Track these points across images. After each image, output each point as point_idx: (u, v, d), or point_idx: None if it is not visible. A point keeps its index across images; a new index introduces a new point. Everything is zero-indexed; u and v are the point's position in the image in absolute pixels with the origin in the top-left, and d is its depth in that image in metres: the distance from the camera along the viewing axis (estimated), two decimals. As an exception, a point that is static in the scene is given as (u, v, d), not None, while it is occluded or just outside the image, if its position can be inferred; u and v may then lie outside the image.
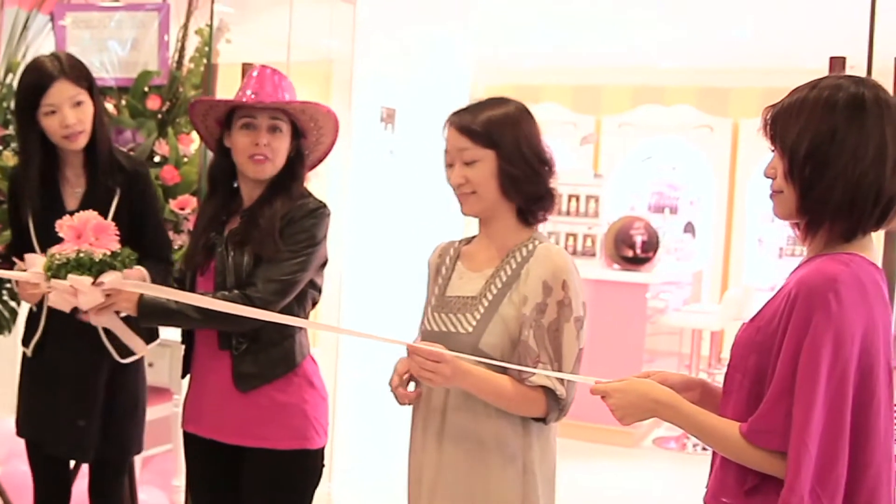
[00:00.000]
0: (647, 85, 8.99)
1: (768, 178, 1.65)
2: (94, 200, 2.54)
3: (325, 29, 4.41)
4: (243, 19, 3.71)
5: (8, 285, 3.16)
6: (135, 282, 2.29)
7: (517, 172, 1.98)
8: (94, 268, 2.24)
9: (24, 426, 2.71)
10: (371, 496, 4.32)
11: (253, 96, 2.35)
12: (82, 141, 2.55)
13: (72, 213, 2.36)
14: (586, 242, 6.59)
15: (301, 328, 2.39)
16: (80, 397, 2.62)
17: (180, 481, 3.35)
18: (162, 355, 3.33)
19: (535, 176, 2.01)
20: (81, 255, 2.24)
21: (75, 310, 2.31)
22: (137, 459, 3.10)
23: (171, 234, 2.96)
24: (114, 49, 3.32)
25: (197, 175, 3.15)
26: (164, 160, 3.19)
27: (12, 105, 3.17)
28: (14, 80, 3.29)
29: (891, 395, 1.58)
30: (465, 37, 5.43)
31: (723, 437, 1.60)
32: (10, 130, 3.16)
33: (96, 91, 2.60)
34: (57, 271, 2.23)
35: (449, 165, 2.03)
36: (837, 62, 2.59)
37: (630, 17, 6.67)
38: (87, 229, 2.28)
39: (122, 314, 2.39)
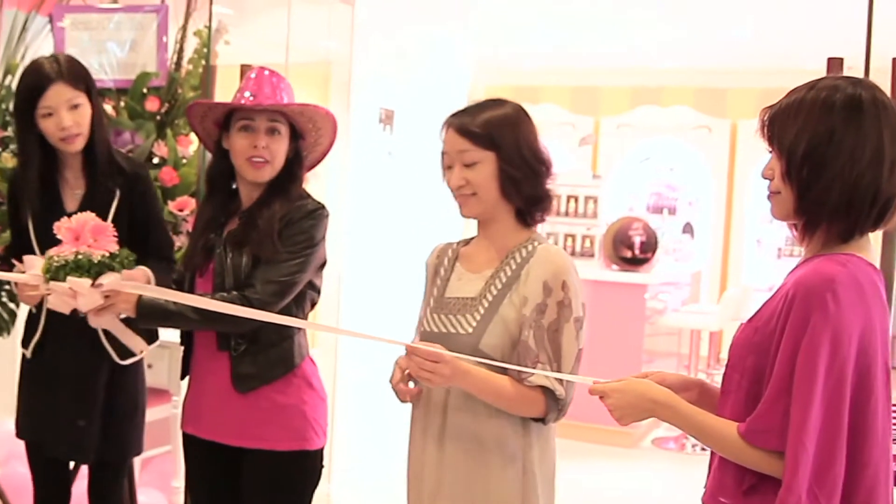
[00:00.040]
0: (645, 86, 9.00)
1: (766, 178, 1.65)
2: (94, 202, 2.54)
3: (323, 30, 4.41)
4: (242, 21, 3.72)
5: (7, 287, 3.16)
6: (133, 283, 2.30)
7: (517, 174, 1.99)
8: (92, 269, 2.24)
9: (24, 428, 2.72)
10: (370, 496, 4.32)
11: (251, 98, 2.35)
12: (79, 144, 2.55)
13: (71, 215, 2.36)
14: (585, 243, 6.59)
15: (300, 329, 2.39)
16: (80, 398, 2.62)
17: (180, 482, 3.35)
18: (161, 357, 3.33)
19: (534, 177, 2.02)
20: (80, 256, 2.24)
21: (74, 311, 2.32)
22: (137, 461, 3.11)
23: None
24: (112, 50, 3.32)
25: (195, 176, 3.15)
26: (163, 161, 3.19)
27: (11, 107, 3.18)
28: (13, 82, 3.29)
29: (888, 394, 1.58)
30: (463, 38, 5.44)
31: (721, 436, 1.60)
32: (9, 132, 3.16)
33: (95, 93, 2.60)
34: (55, 273, 2.23)
35: (448, 167, 2.03)
36: (835, 63, 2.60)
37: (628, 17, 6.68)
38: (86, 231, 2.28)
39: (122, 316, 2.40)
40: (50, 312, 2.51)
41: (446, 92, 5.03)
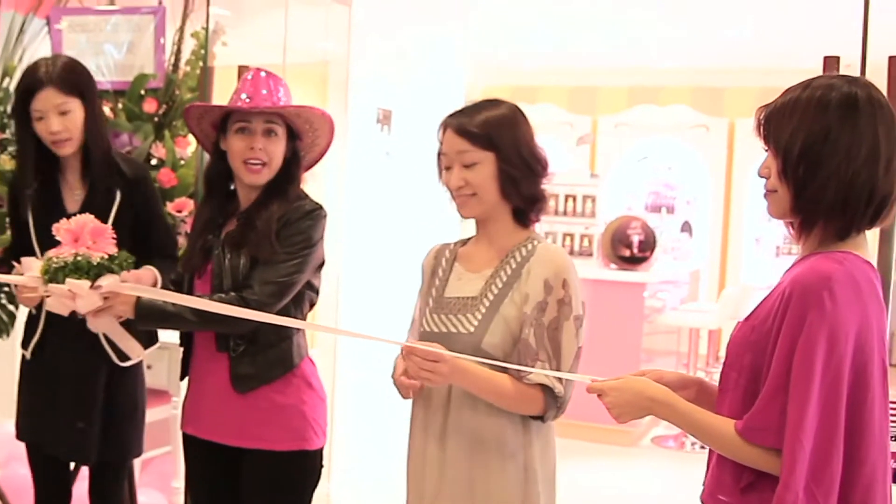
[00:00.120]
0: (642, 85, 9.00)
1: (762, 177, 1.66)
2: (95, 204, 2.55)
3: (320, 31, 4.42)
4: (239, 22, 3.72)
5: (6, 289, 3.17)
6: (131, 285, 2.30)
7: (517, 173, 1.99)
8: (91, 271, 2.24)
9: (24, 429, 2.72)
10: (370, 496, 4.33)
11: (248, 100, 2.36)
12: (69, 148, 2.56)
13: (72, 217, 2.36)
14: (583, 242, 6.59)
15: (298, 329, 2.40)
16: (80, 400, 2.63)
17: (180, 483, 3.36)
18: (161, 357, 3.33)
19: (532, 176, 2.02)
20: (79, 258, 2.24)
21: (73, 313, 2.32)
22: (137, 461, 3.11)
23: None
24: (110, 52, 3.32)
25: (194, 178, 3.16)
26: (161, 163, 3.19)
27: (9, 109, 3.19)
28: (11, 84, 3.30)
29: (885, 392, 1.59)
30: (460, 38, 5.44)
31: (718, 434, 1.61)
32: (8, 134, 3.17)
33: (93, 97, 2.59)
34: (54, 275, 2.24)
35: (446, 168, 2.04)
36: (831, 61, 2.60)
37: (626, 17, 6.68)
38: (85, 233, 2.28)
39: (121, 318, 2.40)
40: (49, 314, 2.51)
41: (444, 92, 5.04)
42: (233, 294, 2.27)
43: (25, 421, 2.72)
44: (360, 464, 4.45)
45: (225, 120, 2.39)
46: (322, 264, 2.44)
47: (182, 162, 3.21)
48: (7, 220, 2.83)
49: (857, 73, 2.34)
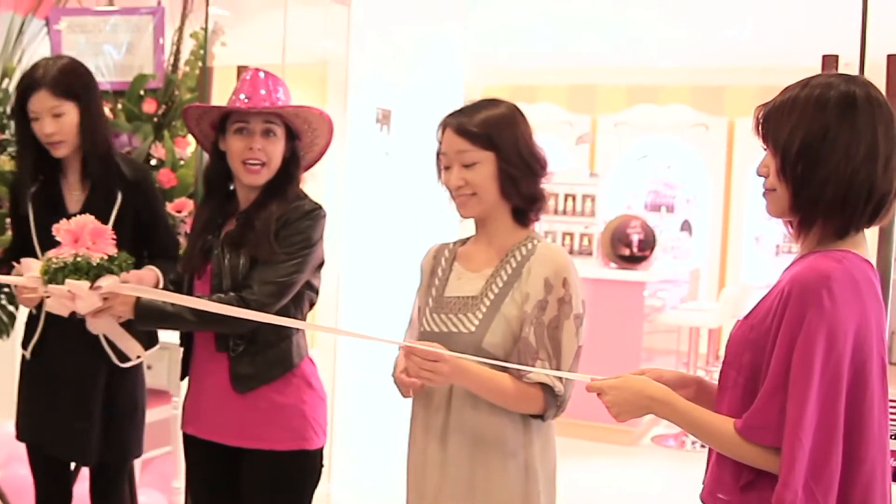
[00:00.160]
0: (642, 84, 9.00)
1: (761, 176, 1.66)
2: (96, 204, 2.55)
3: (319, 31, 4.41)
4: (238, 22, 3.72)
5: (6, 289, 3.17)
6: (131, 285, 2.30)
7: (516, 173, 2.00)
8: (91, 272, 2.24)
9: (24, 429, 2.72)
10: (370, 496, 4.32)
11: (246, 101, 2.36)
12: (62, 150, 2.57)
13: (70, 217, 2.36)
14: (583, 241, 6.59)
15: (298, 329, 2.40)
16: (80, 400, 2.63)
17: (180, 483, 3.36)
18: (161, 358, 3.34)
19: (532, 176, 2.03)
20: (79, 259, 2.24)
21: (73, 313, 2.32)
22: (137, 462, 3.11)
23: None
24: (109, 53, 3.32)
25: (193, 178, 3.16)
26: (161, 163, 3.19)
27: (8, 109, 3.19)
28: (10, 85, 3.30)
29: (884, 390, 1.59)
30: (460, 37, 5.44)
31: (718, 433, 1.61)
32: (7, 135, 3.17)
33: (90, 99, 2.58)
34: (54, 275, 2.24)
35: (446, 168, 2.04)
36: (830, 60, 2.61)
37: (625, 16, 6.68)
38: (84, 233, 2.29)
39: (121, 319, 2.40)
40: (49, 314, 2.52)
41: (443, 92, 5.03)
42: (232, 294, 2.27)
43: (25, 421, 2.72)
44: (360, 464, 4.45)
45: (224, 120, 2.39)
46: (322, 264, 2.44)
47: (181, 162, 3.21)
48: (7, 220, 2.84)
49: (855, 71, 2.35)
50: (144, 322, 2.35)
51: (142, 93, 3.28)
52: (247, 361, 2.33)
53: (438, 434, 2.03)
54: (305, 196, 2.41)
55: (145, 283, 2.43)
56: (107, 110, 3.21)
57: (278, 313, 2.25)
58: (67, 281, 2.21)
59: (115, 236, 2.35)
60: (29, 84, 2.54)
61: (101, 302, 2.26)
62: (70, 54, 3.07)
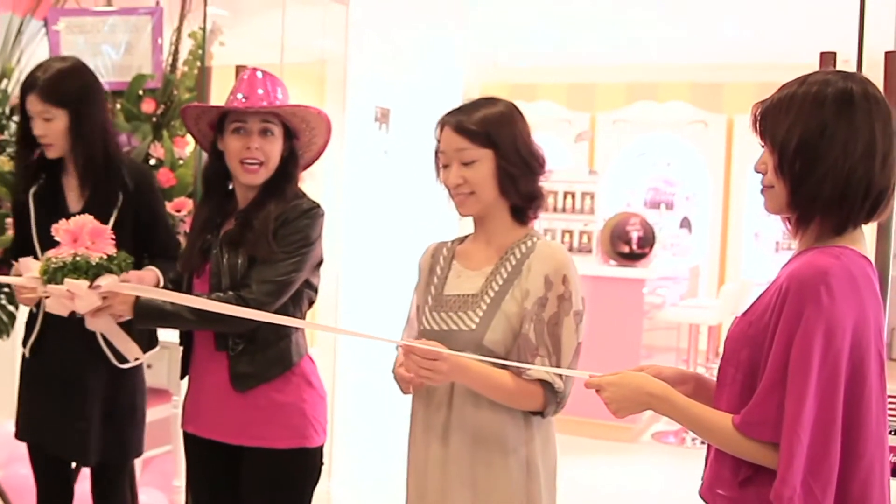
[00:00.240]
0: (640, 81, 9.00)
1: (759, 173, 1.66)
2: (97, 205, 2.55)
3: (318, 30, 4.41)
4: (236, 22, 3.72)
5: (6, 289, 3.17)
6: (130, 284, 2.30)
7: (515, 171, 2.00)
8: (90, 271, 2.24)
9: (24, 429, 2.73)
10: (371, 494, 4.33)
11: (243, 100, 2.36)
12: (52, 152, 2.60)
13: (69, 217, 2.37)
14: (582, 239, 6.60)
15: (298, 328, 2.40)
16: (80, 400, 2.63)
17: (181, 482, 3.36)
18: (161, 357, 3.34)
19: (530, 174, 2.03)
20: (77, 258, 2.25)
21: (73, 313, 2.32)
22: (138, 461, 3.11)
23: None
24: (108, 53, 3.33)
25: (192, 177, 3.16)
26: (160, 163, 3.20)
27: (7, 110, 3.20)
28: (9, 86, 3.30)
29: (883, 386, 1.59)
30: (459, 36, 5.44)
31: (716, 429, 1.61)
32: (6, 136, 3.17)
33: (79, 108, 2.57)
34: (53, 275, 2.24)
35: (444, 166, 2.04)
36: (828, 57, 2.61)
37: (624, 14, 6.68)
38: (84, 233, 2.29)
39: (121, 319, 2.40)
40: (48, 313, 2.52)
41: (442, 90, 5.03)
42: (231, 293, 2.27)
43: (25, 421, 2.72)
44: (360, 462, 4.46)
45: (222, 120, 2.39)
46: (321, 263, 2.45)
47: (180, 162, 3.22)
48: (7, 220, 2.84)
49: (853, 68, 2.35)
50: (144, 321, 2.35)
51: (140, 93, 3.29)
52: (246, 360, 2.34)
53: (440, 432, 2.03)
54: (304, 195, 2.41)
55: (145, 283, 2.43)
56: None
57: (277, 312, 2.25)
58: (66, 280, 2.22)
59: (114, 236, 2.36)
60: (26, 84, 2.57)
61: (100, 301, 2.26)
62: (68, 55, 3.08)
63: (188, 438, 2.48)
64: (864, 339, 1.55)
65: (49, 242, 2.40)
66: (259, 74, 2.41)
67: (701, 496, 1.71)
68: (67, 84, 2.57)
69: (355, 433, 4.45)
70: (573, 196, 6.65)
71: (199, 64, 3.31)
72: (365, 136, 4.50)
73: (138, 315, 2.30)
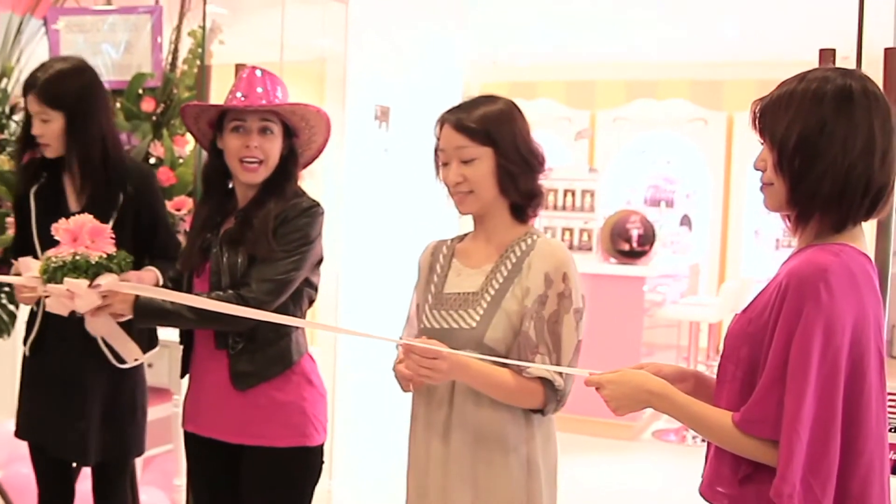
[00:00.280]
0: (640, 79, 9.00)
1: (758, 170, 1.66)
2: (97, 205, 2.55)
3: (317, 28, 4.41)
4: (236, 20, 3.72)
5: (7, 289, 3.17)
6: (130, 283, 2.31)
7: (515, 169, 2.00)
8: (90, 270, 2.24)
9: (24, 428, 2.73)
10: (371, 493, 4.33)
11: (242, 99, 2.36)
12: (49, 153, 2.61)
13: (69, 217, 2.37)
14: (582, 237, 6.60)
15: (298, 327, 2.40)
16: (80, 399, 2.63)
17: (182, 481, 3.36)
18: (161, 356, 3.33)
19: (530, 172, 2.03)
20: (77, 257, 2.25)
21: (73, 313, 2.32)
22: (139, 460, 3.12)
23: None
24: (107, 52, 3.33)
25: (192, 176, 3.16)
26: (160, 162, 3.20)
27: (7, 109, 3.20)
28: (8, 85, 3.30)
29: (882, 383, 1.59)
30: (458, 34, 5.44)
31: (716, 426, 1.61)
32: (6, 135, 3.17)
33: (76, 110, 2.56)
34: (53, 274, 2.24)
35: (444, 164, 2.04)
36: (827, 54, 2.61)
37: (624, 13, 6.68)
38: (83, 232, 2.29)
39: (121, 318, 2.40)
40: (48, 311, 2.52)
41: (442, 89, 5.03)
42: (230, 292, 2.27)
43: (25, 421, 2.72)
44: (361, 460, 4.46)
45: (221, 118, 2.39)
46: (320, 261, 2.44)
47: (180, 160, 3.22)
48: (7, 219, 2.84)
49: (852, 65, 2.35)
50: (143, 320, 2.35)
51: (140, 91, 3.29)
52: (246, 359, 2.34)
53: (440, 430, 2.03)
54: (303, 193, 2.41)
55: (145, 283, 2.43)
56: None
57: (277, 311, 2.25)
58: (66, 280, 2.22)
59: (114, 236, 2.36)
60: (27, 83, 2.58)
61: (100, 300, 2.26)
62: (68, 54, 3.08)
63: (188, 437, 2.48)
64: (863, 336, 1.55)
65: (49, 242, 2.40)
66: (258, 73, 2.41)
67: (701, 494, 1.71)
68: (66, 86, 2.56)
69: (356, 432, 4.45)
70: (573, 194, 6.65)
71: (198, 62, 3.31)
72: (365, 134, 4.50)
73: (138, 314, 2.30)
